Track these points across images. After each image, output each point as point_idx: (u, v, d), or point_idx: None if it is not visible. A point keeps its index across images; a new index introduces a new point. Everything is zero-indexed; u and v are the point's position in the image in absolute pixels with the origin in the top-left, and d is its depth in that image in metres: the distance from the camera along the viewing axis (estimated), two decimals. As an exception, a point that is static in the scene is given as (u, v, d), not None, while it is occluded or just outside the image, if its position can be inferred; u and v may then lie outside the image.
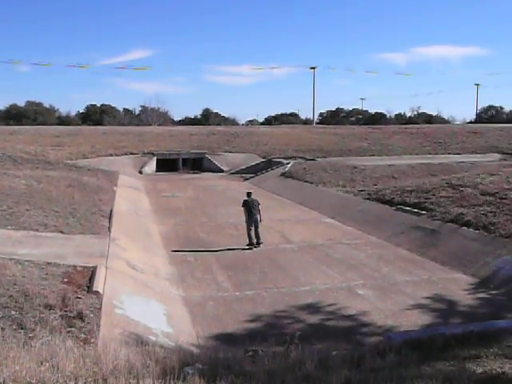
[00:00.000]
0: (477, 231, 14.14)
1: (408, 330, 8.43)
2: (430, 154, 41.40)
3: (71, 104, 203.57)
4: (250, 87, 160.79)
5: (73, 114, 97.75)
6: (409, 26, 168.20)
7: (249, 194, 16.21)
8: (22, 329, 6.67)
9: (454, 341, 6.55)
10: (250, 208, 15.54)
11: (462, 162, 31.87)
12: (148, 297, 10.06)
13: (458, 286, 11.46)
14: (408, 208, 17.83)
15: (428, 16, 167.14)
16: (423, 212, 16.94)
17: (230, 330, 9.07)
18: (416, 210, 17.32)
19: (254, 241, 15.28)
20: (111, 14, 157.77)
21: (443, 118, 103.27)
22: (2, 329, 6.52)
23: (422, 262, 13.56)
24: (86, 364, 5.22)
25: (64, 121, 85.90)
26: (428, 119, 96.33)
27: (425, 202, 17.74)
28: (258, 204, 15.77)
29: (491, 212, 15.05)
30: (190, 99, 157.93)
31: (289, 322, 9.41)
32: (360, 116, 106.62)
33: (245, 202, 15.81)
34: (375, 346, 6.91)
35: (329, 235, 16.88)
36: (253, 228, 15.39)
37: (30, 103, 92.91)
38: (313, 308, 10.13)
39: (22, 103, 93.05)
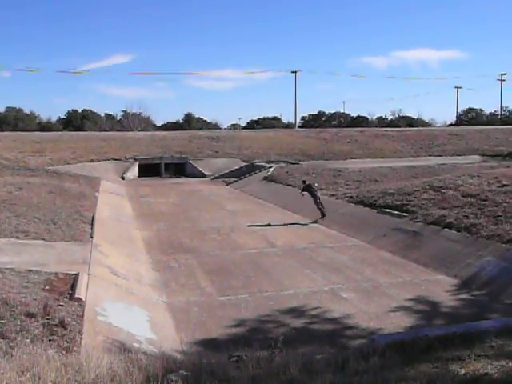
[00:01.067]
0: (459, 233, 14.25)
1: (391, 333, 8.45)
2: (411, 156, 41.71)
3: (52, 110, 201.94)
4: (232, 91, 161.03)
5: (54, 119, 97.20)
6: (388, 30, 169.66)
7: (304, 181, 21.30)
8: (2, 338, 6.57)
9: (437, 342, 6.57)
10: (311, 190, 20.16)
11: (443, 164, 32.14)
12: (131, 303, 9.98)
13: (441, 288, 11.53)
14: (390, 210, 17.92)
15: (407, 20, 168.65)
16: (405, 214, 17.04)
17: (214, 335, 9.03)
18: (398, 213, 17.41)
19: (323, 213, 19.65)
20: (92, 20, 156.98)
21: (424, 121, 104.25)
22: (-18, 338, 6.43)
23: (404, 264, 13.63)
24: (67, 373, 5.16)
25: (45, 127, 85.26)
26: (409, 122, 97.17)
27: (407, 205, 17.84)
28: (314, 184, 20.76)
29: (472, 213, 15.18)
30: (172, 104, 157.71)
31: (273, 327, 9.39)
32: (342, 119, 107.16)
33: (304, 188, 20.51)
34: (359, 349, 6.91)
35: (312, 238, 16.90)
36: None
37: (10, 109, 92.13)
38: (297, 312, 10.12)
39: (1, 109, 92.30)
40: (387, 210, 18.07)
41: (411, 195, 18.93)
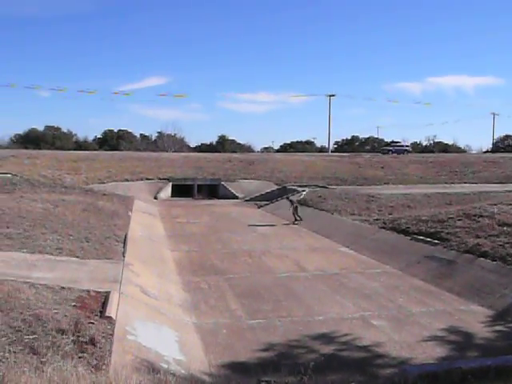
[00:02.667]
0: (494, 262, 13.94)
1: (424, 363, 8.27)
2: (445, 183, 41.13)
3: (89, 129, 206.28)
4: (265, 114, 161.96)
5: (90, 138, 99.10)
6: (424, 56, 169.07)
7: (288, 197, 30.61)
8: (34, 353, 6.64)
9: (471, 375, 6.41)
10: (292, 201, 27.49)
11: (479, 192, 31.55)
12: (160, 323, 10.00)
13: (475, 318, 11.26)
14: (424, 238, 17.66)
15: (442, 46, 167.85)
16: (439, 242, 16.76)
17: (243, 358, 8.97)
18: (432, 240, 17.14)
19: (298, 219, 26.08)
20: (128, 41, 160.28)
21: (459, 147, 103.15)
22: (15, 353, 6.51)
23: (437, 292, 13.38)
24: (97, 391, 5.18)
25: (81, 145, 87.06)
26: (444, 148, 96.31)
27: (441, 232, 17.57)
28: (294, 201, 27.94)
29: (509, 243, 14.85)
30: (206, 126, 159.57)
31: (302, 352, 9.28)
32: (376, 144, 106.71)
33: (291, 201, 27.81)
34: (390, 378, 6.79)
35: (343, 264, 16.75)
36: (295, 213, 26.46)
37: (48, 128, 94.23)
38: (327, 338, 9.99)
39: (41, 127, 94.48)
40: (420, 237, 17.81)
41: (445, 223, 18.65)
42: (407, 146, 73.77)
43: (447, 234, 17.24)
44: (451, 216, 19.43)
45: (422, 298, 12.85)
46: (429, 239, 17.34)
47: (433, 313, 11.69)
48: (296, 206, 26.84)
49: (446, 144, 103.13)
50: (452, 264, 14.94)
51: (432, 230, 18.06)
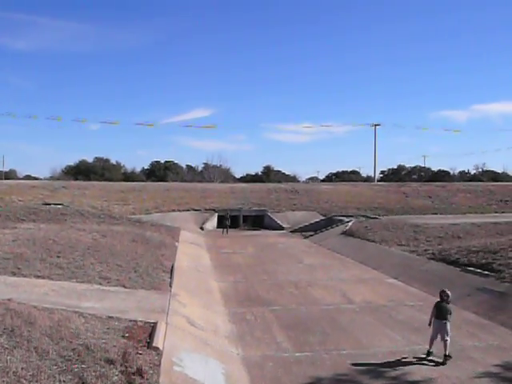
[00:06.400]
0: (550, 295, 13.44)
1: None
2: (496, 212, 40.18)
3: (136, 160, 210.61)
4: (309, 144, 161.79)
5: (138, 170, 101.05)
6: (469, 84, 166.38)
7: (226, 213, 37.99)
8: (83, 383, 6.71)
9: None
10: (227, 216, 35.14)
11: (532, 222, 30.63)
12: (207, 355, 9.97)
13: (531, 354, 10.82)
14: (475, 269, 17.18)
15: (488, 73, 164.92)
16: (491, 273, 16.28)
17: (290, 392, 8.83)
18: (483, 272, 16.67)
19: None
20: (174, 73, 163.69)
21: (510, 176, 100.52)
22: (64, 382, 6.59)
23: (490, 326, 12.94)
24: (144, 423, 5.18)
25: (129, 177, 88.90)
26: (494, 177, 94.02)
27: (492, 263, 17.07)
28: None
29: None
30: (251, 156, 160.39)
31: (350, 387, 9.09)
32: (422, 174, 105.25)
33: (222, 217, 33.45)
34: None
35: (391, 296, 16.42)
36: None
37: (97, 159, 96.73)
38: (376, 372, 9.76)
39: (90, 159, 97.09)
40: (471, 269, 17.34)
41: (497, 253, 18.13)
42: None
43: (499, 265, 16.74)
44: (503, 247, 18.89)
45: (473, 332, 12.45)
46: (480, 271, 16.87)
47: (486, 347, 11.30)
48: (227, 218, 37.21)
49: (496, 172, 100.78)
50: (505, 296, 14.46)
51: (483, 261, 17.58)
